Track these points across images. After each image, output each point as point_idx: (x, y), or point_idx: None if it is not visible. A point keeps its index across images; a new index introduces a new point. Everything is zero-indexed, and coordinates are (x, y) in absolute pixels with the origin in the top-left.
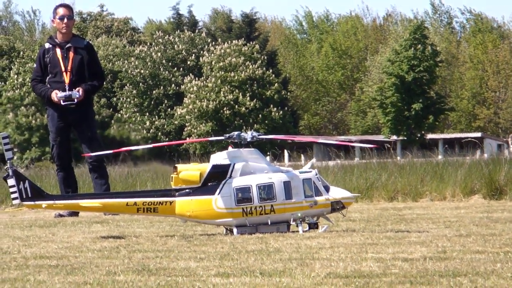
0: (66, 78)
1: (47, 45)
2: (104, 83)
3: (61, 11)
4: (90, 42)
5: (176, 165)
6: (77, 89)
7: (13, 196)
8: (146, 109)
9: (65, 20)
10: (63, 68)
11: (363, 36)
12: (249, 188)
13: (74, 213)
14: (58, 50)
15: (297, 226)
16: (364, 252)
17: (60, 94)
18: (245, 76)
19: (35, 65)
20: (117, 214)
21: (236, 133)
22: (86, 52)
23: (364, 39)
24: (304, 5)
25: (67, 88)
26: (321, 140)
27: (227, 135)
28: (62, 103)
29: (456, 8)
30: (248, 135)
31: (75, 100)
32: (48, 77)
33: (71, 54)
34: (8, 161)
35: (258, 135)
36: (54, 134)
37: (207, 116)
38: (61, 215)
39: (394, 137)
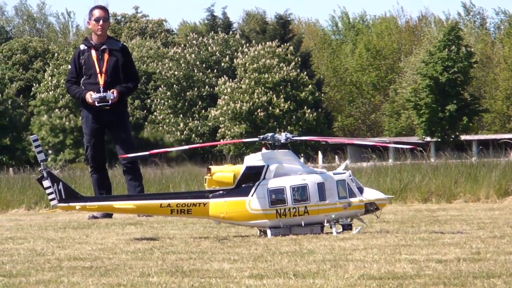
0: (101, 80)
1: (82, 47)
2: (139, 85)
3: (97, 13)
4: (125, 44)
5: (209, 166)
6: (111, 90)
7: (50, 197)
8: (180, 111)
9: (101, 22)
10: (97, 70)
11: (397, 37)
12: (283, 189)
13: (108, 215)
14: (93, 52)
15: (331, 227)
16: (397, 253)
17: (95, 95)
18: (279, 78)
19: (70, 67)
20: (151, 215)
21: (270, 134)
22: (121, 54)
23: (398, 40)
24: (341, 5)
25: (101, 90)
26: (356, 141)
27: (261, 136)
28: (96, 105)
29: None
30: (282, 136)
31: (110, 102)
32: (83, 79)
33: (106, 56)
34: (42, 163)
35: (292, 137)
36: (89, 136)
37: (241, 118)
38: (94, 217)
39: (428, 138)
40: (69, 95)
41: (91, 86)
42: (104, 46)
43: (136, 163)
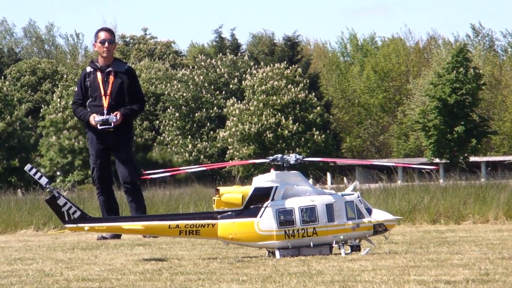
0: (105, 102)
1: (88, 69)
2: (145, 107)
3: (102, 35)
4: (132, 66)
5: (218, 187)
6: (114, 113)
7: (71, 211)
8: (188, 132)
9: (106, 44)
10: (102, 92)
11: (405, 59)
12: (291, 210)
13: (117, 235)
14: (99, 74)
15: (339, 248)
16: (406, 274)
17: (98, 118)
18: (287, 100)
19: (76, 89)
20: (158, 236)
21: (279, 155)
22: (126, 76)
23: (405, 62)
24: (350, 27)
25: (105, 112)
26: (377, 162)
27: (271, 157)
28: (99, 127)
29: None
30: (292, 157)
31: (112, 124)
32: (88, 101)
33: (111, 78)
34: (48, 185)
35: (302, 158)
36: (94, 157)
37: (250, 139)
38: (104, 238)
39: (437, 160)
40: (75, 117)
41: (95, 108)
42: (110, 68)
43: (135, 184)
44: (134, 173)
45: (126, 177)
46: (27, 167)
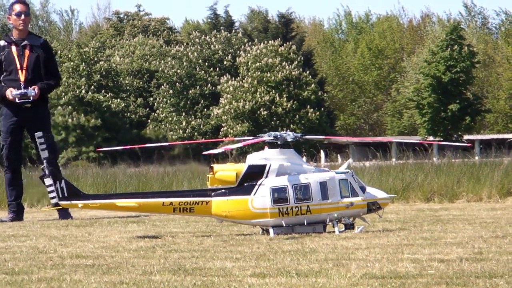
0: (21, 76)
1: (2, 43)
2: (60, 83)
3: (17, 7)
4: (47, 40)
5: (212, 165)
6: (32, 87)
7: (51, 195)
8: (182, 109)
9: (23, 16)
10: (18, 66)
11: (399, 37)
12: (285, 188)
13: (18, 218)
14: (13, 48)
15: (333, 226)
16: (400, 253)
17: (15, 92)
18: (281, 77)
19: None
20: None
21: (278, 133)
22: (42, 50)
23: (399, 39)
24: (344, 4)
25: (22, 86)
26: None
27: (271, 134)
28: (17, 101)
29: (491, 9)
30: (290, 135)
31: (31, 98)
32: (3, 75)
33: (27, 52)
34: (45, 160)
35: (301, 136)
36: (6, 134)
37: (244, 117)
38: (1, 221)
39: (431, 138)
40: None
41: (11, 83)
42: (25, 42)
43: (56, 164)
44: (55, 153)
45: (48, 158)
46: (38, 133)
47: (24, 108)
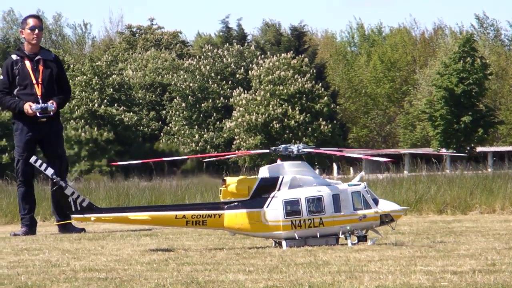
0: (38, 91)
1: (14, 57)
2: (70, 98)
3: (31, 21)
4: (57, 54)
5: (224, 178)
6: (50, 101)
7: (79, 200)
8: (195, 122)
9: (36, 31)
10: (34, 81)
11: (411, 49)
12: (298, 201)
13: (31, 232)
14: (27, 62)
15: (346, 239)
16: (413, 265)
17: (36, 106)
18: (294, 90)
19: (1, 77)
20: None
21: (282, 146)
22: (55, 65)
23: (412, 52)
24: (357, 17)
25: (40, 101)
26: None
27: (274, 148)
28: (38, 115)
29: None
30: (295, 148)
31: (51, 113)
32: (16, 89)
33: (40, 67)
34: (54, 176)
35: (303, 148)
36: (21, 149)
37: (256, 130)
38: (15, 234)
39: (444, 150)
40: (1, 106)
41: (27, 97)
42: (38, 56)
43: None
44: (66, 170)
45: (59, 174)
46: (32, 159)
47: (40, 122)
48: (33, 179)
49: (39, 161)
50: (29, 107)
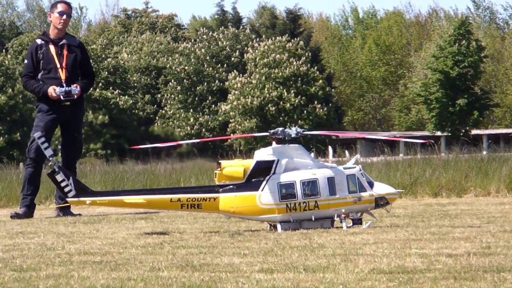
0: (62, 75)
1: (39, 41)
2: (94, 83)
3: (60, 6)
4: (81, 42)
5: (220, 161)
6: (75, 85)
7: (66, 189)
8: (190, 106)
9: (64, 16)
10: (58, 65)
11: (406, 32)
12: (293, 184)
13: (30, 214)
14: (51, 47)
15: (341, 222)
16: (408, 247)
17: (60, 89)
18: (289, 73)
19: (26, 61)
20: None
21: (280, 129)
22: (79, 50)
23: (406, 35)
24: (350, 0)
25: (64, 85)
26: (367, 136)
27: (272, 131)
28: (62, 98)
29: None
30: (293, 131)
31: (75, 96)
32: (40, 73)
33: (65, 52)
34: (51, 158)
35: (303, 131)
36: (41, 129)
37: (251, 113)
38: (17, 214)
39: (439, 133)
40: (25, 89)
41: (51, 81)
42: (63, 41)
43: (75, 164)
44: (80, 153)
45: (73, 157)
46: (37, 134)
47: (63, 106)
48: (43, 162)
49: (43, 139)
50: (53, 90)
